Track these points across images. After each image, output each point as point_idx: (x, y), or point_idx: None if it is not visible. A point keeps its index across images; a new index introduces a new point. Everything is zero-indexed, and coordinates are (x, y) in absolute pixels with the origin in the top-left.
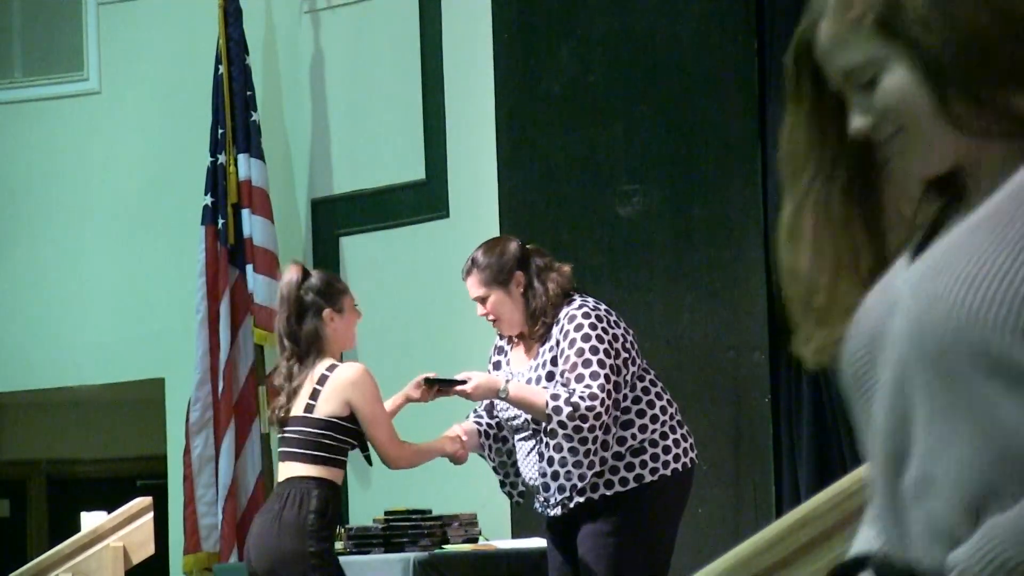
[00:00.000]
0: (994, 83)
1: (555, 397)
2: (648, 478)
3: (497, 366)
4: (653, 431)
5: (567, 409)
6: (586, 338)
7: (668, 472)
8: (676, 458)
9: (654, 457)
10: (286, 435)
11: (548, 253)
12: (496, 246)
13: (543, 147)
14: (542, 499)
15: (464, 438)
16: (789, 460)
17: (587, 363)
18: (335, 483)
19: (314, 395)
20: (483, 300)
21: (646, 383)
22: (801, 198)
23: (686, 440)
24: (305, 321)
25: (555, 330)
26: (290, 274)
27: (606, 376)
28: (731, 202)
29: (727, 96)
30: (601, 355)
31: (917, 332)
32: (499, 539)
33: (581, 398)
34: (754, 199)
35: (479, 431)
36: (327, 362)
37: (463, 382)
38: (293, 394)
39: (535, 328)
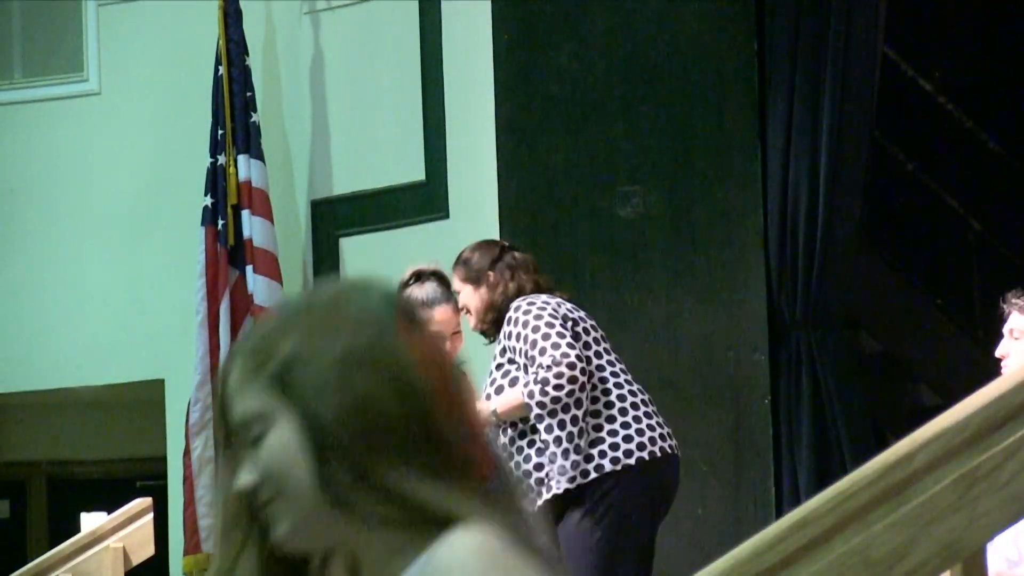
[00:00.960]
0: (384, 462)
1: (525, 384)
2: (608, 467)
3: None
4: (611, 419)
5: (537, 388)
6: (527, 323)
7: (632, 461)
8: (641, 447)
9: (613, 447)
10: None
11: (531, 261)
12: (476, 247)
13: (543, 148)
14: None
15: None
16: (789, 461)
17: (535, 343)
18: None
19: None
20: (458, 294)
21: (606, 374)
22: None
23: (654, 430)
24: None
25: (504, 326)
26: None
27: (568, 344)
28: (731, 203)
29: (727, 97)
30: (549, 331)
31: None
32: None
33: (546, 368)
34: (754, 200)
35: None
36: None
37: None
38: None
39: (485, 323)
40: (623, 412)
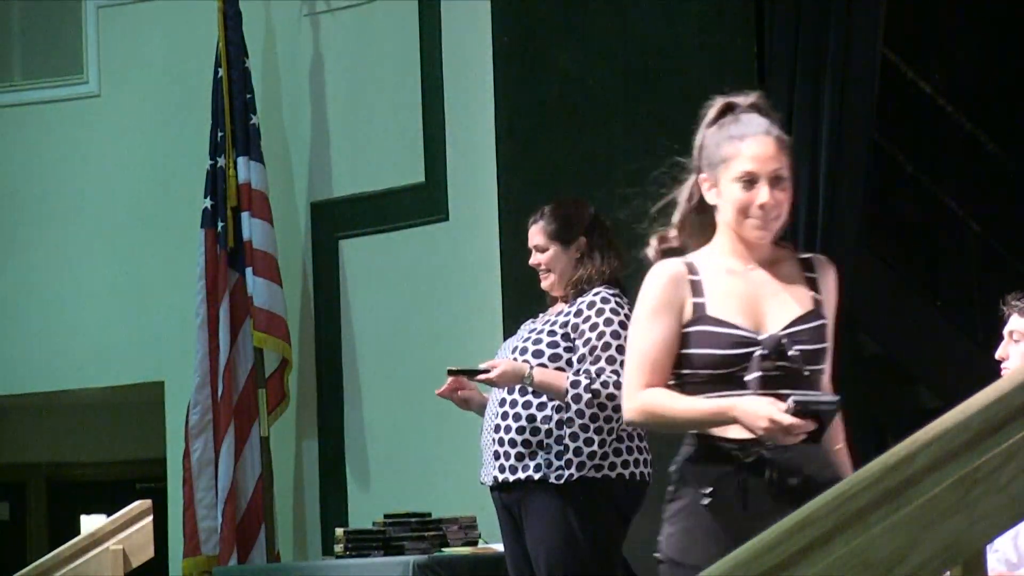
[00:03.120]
0: None
1: (575, 384)
2: (627, 475)
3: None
4: (623, 431)
5: (587, 396)
6: (608, 322)
7: (626, 474)
8: (636, 463)
9: (616, 452)
10: None
11: (616, 236)
12: (573, 204)
13: (542, 150)
14: (505, 464)
15: (477, 395)
16: None
17: (607, 346)
18: None
19: None
20: (541, 250)
21: None
22: None
23: (642, 453)
24: None
25: (579, 301)
26: None
27: (622, 363)
28: None
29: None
30: (622, 341)
31: None
32: (498, 542)
33: (604, 384)
34: None
35: None
36: None
37: (487, 370)
38: None
39: (569, 293)
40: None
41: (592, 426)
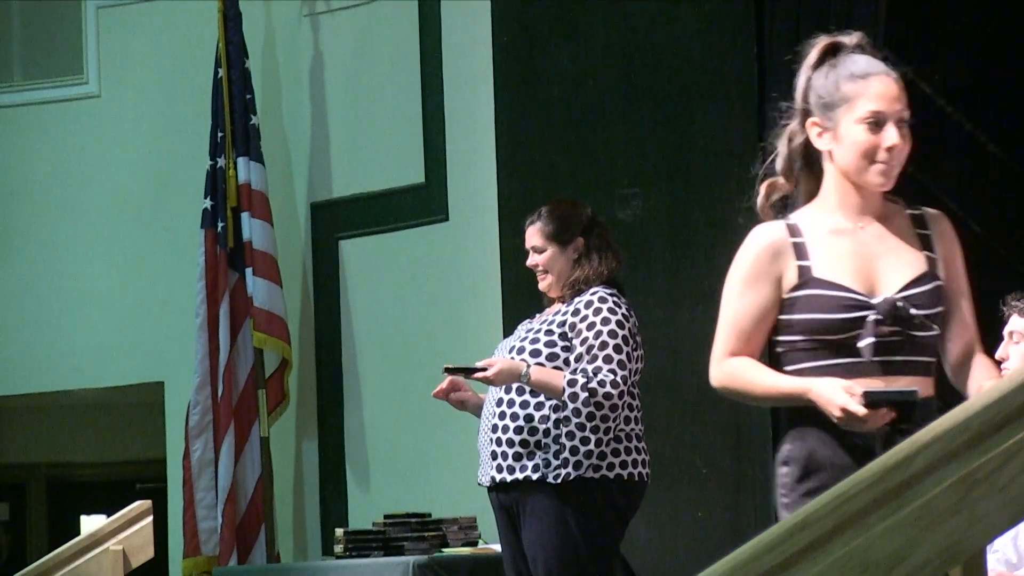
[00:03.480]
0: None
1: (572, 383)
2: (625, 475)
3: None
4: (620, 431)
5: (583, 395)
6: (606, 321)
7: (624, 474)
8: (634, 463)
9: (614, 452)
10: None
11: (612, 235)
12: (569, 204)
13: (542, 150)
14: (503, 465)
15: (473, 396)
16: None
17: (604, 345)
18: None
19: None
20: (538, 251)
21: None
22: None
23: (640, 454)
24: None
25: (575, 300)
26: None
27: (620, 363)
28: (730, 206)
29: (726, 100)
30: (619, 341)
31: None
32: (498, 543)
33: (600, 384)
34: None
35: None
36: None
37: (484, 369)
38: None
39: (566, 293)
40: (631, 427)
41: (588, 425)
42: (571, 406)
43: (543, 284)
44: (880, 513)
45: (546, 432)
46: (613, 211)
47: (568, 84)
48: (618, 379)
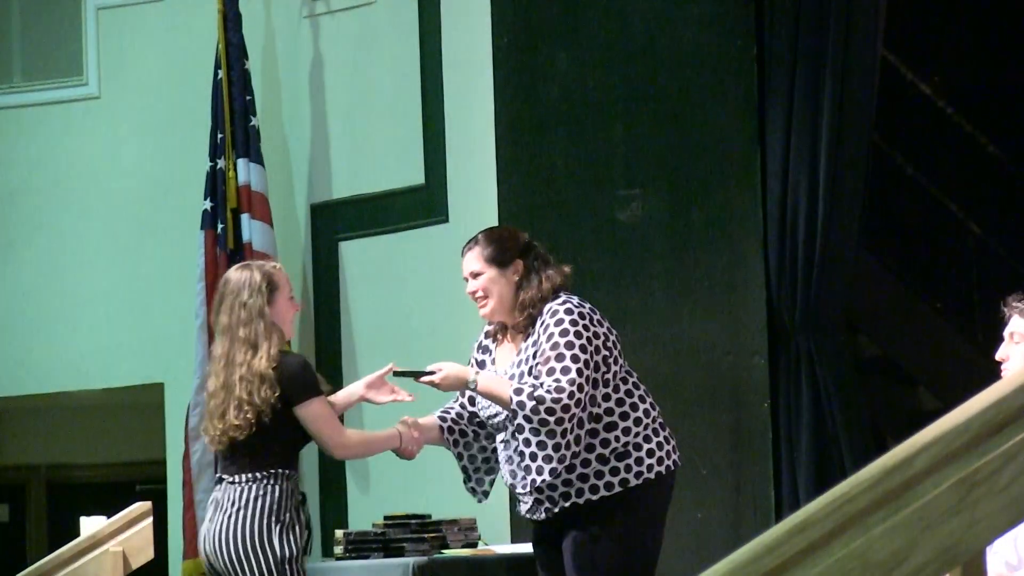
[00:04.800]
0: None
1: (519, 391)
2: (633, 482)
3: (481, 365)
4: (636, 434)
5: (530, 403)
6: (564, 333)
7: (652, 475)
8: (660, 461)
9: (638, 460)
10: None
11: (549, 252)
12: (504, 230)
13: (542, 151)
14: (527, 504)
15: (415, 434)
16: (788, 464)
17: (560, 357)
18: None
19: None
20: (476, 276)
21: (629, 385)
22: None
23: (668, 442)
24: None
25: (537, 325)
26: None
27: (578, 370)
28: (730, 207)
29: (726, 101)
30: (576, 350)
31: None
32: (498, 544)
33: (548, 391)
34: (753, 204)
35: (441, 426)
36: None
37: (432, 372)
38: None
39: (519, 319)
40: (645, 425)
41: (543, 430)
42: (520, 413)
43: (485, 310)
44: (880, 514)
45: (524, 458)
46: (613, 212)
47: (568, 84)
48: (564, 383)
